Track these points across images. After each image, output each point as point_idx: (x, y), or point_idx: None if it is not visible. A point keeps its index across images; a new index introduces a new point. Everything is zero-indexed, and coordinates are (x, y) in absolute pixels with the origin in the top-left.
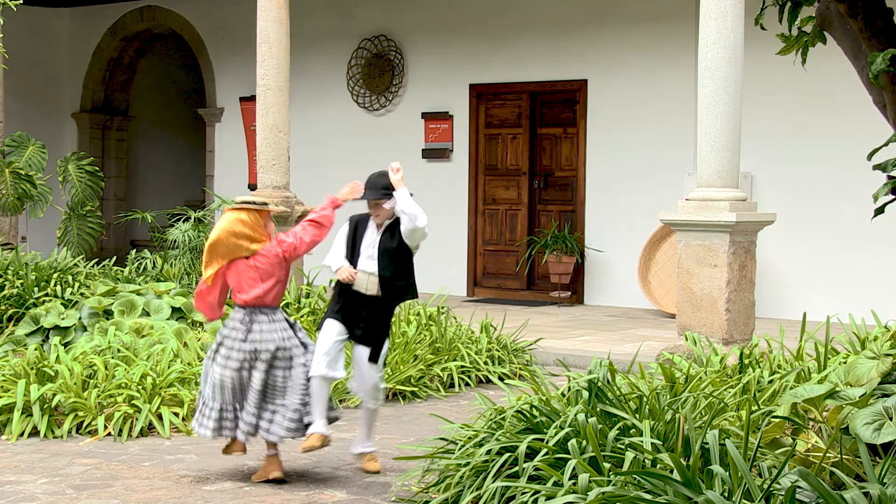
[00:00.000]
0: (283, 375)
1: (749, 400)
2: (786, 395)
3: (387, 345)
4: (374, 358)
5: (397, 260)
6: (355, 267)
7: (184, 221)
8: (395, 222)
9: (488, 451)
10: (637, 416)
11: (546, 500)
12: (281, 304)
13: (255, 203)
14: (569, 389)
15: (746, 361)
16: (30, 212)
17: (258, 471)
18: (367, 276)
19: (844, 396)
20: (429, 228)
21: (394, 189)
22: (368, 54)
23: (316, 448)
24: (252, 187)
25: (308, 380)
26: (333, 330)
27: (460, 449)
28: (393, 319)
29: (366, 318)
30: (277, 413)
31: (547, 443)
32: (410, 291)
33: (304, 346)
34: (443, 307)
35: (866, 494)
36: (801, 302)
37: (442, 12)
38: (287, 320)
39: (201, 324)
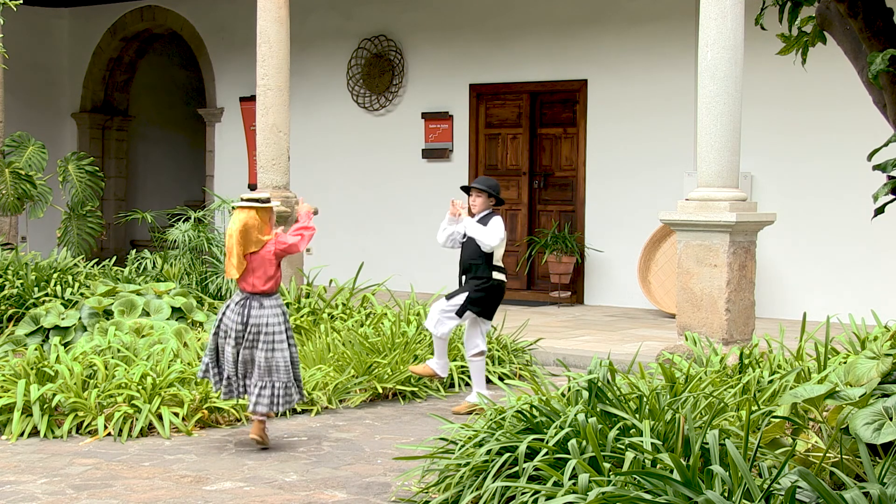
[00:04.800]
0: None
1: (749, 400)
2: (786, 395)
3: (462, 297)
4: (449, 296)
5: (475, 247)
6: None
7: (184, 221)
8: (486, 217)
9: (488, 451)
10: (637, 416)
11: (546, 500)
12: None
13: (259, 200)
14: (569, 389)
15: (746, 361)
16: (30, 212)
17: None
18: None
19: (844, 396)
20: (500, 240)
21: (496, 195)
22: (368, 54)
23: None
24: (252, 187)
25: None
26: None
27: (460, 449)
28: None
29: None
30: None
31: (547, 443)
32: (481, 273)
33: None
34: None
35: (866, 494)
36: (801, 302)
37: (442, 12)
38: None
39: (201, 324)
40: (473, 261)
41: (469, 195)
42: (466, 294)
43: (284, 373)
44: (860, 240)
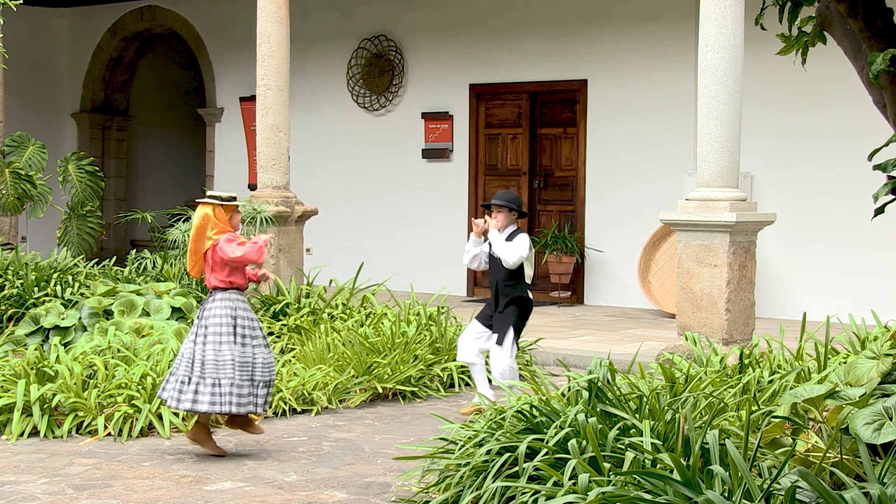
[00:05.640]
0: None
1: (749, 400)
2: (786, 395)
3: (510, 333)
4: (499, 341)
5: (506, 268)
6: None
7: (184, 221)
8: (512, 234)
9: (488, 451)
10: (637, 416)
11: (546, 500)
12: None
13: (219, 198)
14: (569, 389)
15: (746, 361)
16: (30, 212)
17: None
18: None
19: (844, 396)
20: (520, 258)
21: (518, 208)
22: (368, 54)
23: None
24: (252, 187)
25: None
26: (471, 327)
27: (460, 449)
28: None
29: (494, 313)
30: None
31: (547, 443)
32: (518, 293)
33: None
34: (443, 307)
35: (866, 494)
36: (801, 302)
37: (442, 12)
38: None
39: None
40: (507, 283)
41: (492, 207)
42: (512, 326)
43: (231, 369)
44: (860, 240)
